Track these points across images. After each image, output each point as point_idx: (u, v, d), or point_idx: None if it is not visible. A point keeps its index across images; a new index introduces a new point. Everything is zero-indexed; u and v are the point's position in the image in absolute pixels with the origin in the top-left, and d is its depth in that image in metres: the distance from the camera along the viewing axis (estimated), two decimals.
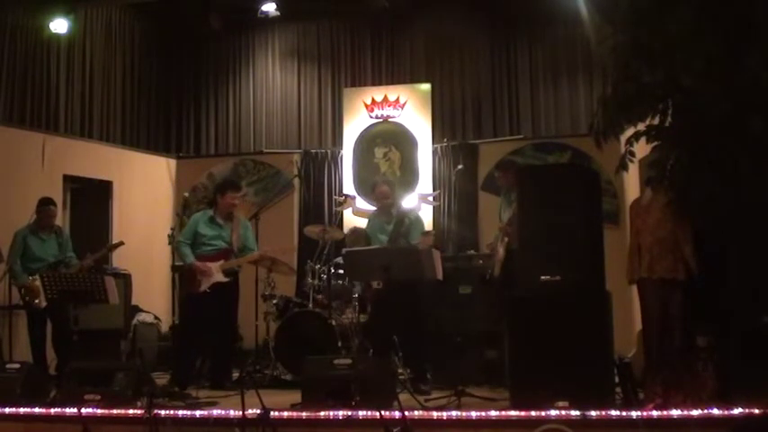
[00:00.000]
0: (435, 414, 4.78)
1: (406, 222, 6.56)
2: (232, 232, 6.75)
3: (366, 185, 9.63)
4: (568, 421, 4.39)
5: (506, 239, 6.46)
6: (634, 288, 5.38)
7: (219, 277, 6.61)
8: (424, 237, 6.59)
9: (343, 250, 6.70)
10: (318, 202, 10.00)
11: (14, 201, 7.86)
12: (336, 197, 9.79)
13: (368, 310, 7.14)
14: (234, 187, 7.01)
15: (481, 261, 7.03)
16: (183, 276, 6.74)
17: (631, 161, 4.92)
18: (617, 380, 5.06)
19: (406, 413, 4.49)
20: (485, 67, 10.28)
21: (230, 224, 6.79)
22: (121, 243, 7.71)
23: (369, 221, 7.06)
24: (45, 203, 7.12)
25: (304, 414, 4.83)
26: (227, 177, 9.11)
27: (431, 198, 9.56)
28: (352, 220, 9.48)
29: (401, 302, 6.16)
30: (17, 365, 5.74)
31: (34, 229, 7.08)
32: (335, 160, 10.06)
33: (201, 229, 6.75)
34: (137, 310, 8.62)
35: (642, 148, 5.01)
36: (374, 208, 7.30)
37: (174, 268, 6.89)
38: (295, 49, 10.96)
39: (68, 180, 8.97)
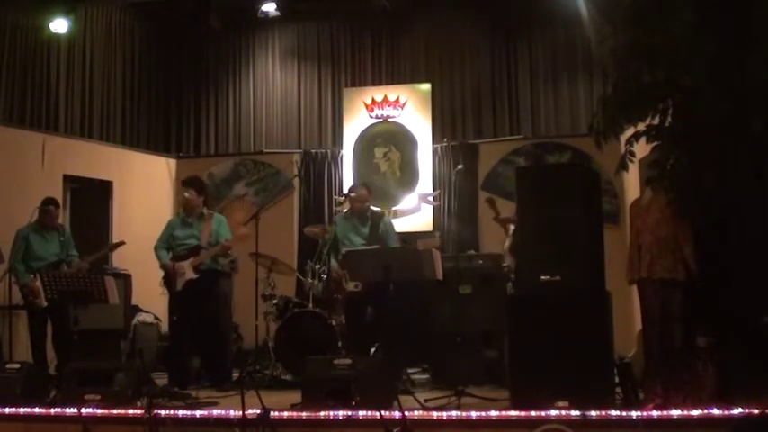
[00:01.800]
0: (435, 414, 4.78)
1: (382, 227, 6.65)
2: (203, 229, 6.78)
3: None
4: (568, 421, 4.39)
5: (512, 228, 6.50)
6: (634, 288, 5.39)
7: (190, 274, 6.65)
8: (428, 239, 6.62)
9: (343, 250, 6.70)
10: (318, 202, 10.00)
11: (14, 201, 7.85)
12: (336, 197, 9.79)
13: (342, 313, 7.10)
14: (183, 183, 7.03)
15: (481, 261, 7.02)
16: (165, 278, 6.80)
17: (631, 161, 4.92)
18: (617, 380, 5.06)
19: (406, 413, 4.49)
20: (485, 67, 10.27)
21: (201, 222, 6.82)
22: (122, 243, 7.71)
23: (338, 224, 7.04)
24: (46, 203, 7.11)
25: (304, 414, 4.83)
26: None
27: (431, 198, 9.56)
28: None
29: (375, 303, 6.13)
30: (17, 365, 5.75)
31: (36, 228, 7.08)
32: (335, 160, 10.06)
33: (175, 232, 6.84)
34: (137, 310, 8.62)
35: (642, 148, 5.01)
36: (375, 209, 7.29)
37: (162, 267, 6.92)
38: (295, 49, 10.96)
39: (68, 180, 8.96)
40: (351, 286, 6.66)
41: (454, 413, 4.77)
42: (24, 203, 7.44)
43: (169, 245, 6.85)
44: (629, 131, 5.01)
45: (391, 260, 5.68)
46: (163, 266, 6.78)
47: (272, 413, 4.56)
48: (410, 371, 6.80)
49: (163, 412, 4.87)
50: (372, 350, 6.30)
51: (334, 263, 6.92)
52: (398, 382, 5.99)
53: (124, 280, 8.11)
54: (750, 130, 4.34)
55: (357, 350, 6.21)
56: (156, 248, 6.87)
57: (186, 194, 6.89)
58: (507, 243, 6.69)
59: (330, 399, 4.92)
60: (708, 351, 4.81)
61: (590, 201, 5.19)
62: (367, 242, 6.68)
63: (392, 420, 4.45)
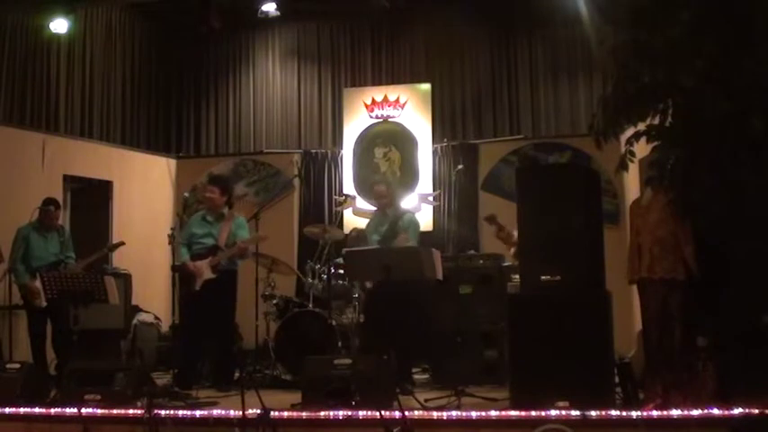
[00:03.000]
0: (435, 414, 4.78)
1: (400, 225, 6.62)
2: (221, 230, 6.75)
3: (366, 185, 9.65)
4: (568, 421, 4.39)
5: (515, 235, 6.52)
6: (634, 288, 5.38)
7: (208, 274, 6.62)
8: (401, 236, 6.62)
9: (344, 250, 6.70)
10: (318, 202, 10.01)
11: (14, 201, 7.85)
12: (336, 197, 9.79)
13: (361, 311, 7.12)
14: (208, 181, 7.01)
15: (481, 261, 7.03)
16: (182, 277, 6.77)
17: (631, 161, 4.92)
18: (617, 380, 5.06)
19: (406, 413, 4.49)
20: (485, 67, 10.28)
21: (220, 222, 6.80)
22: (122, 243, 7.70)
23: (368, 221, 7.10)
24: (46, 203, 7.11)
25: (304, 414, 4.83)
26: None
27: (431, 198, 9.56)
28: (352, 220, 9.49)
29: (393, 301, 6.12)
30: (17, 365, 5.75)
31: (37, 227, 7.08)
32: (335, 160, 10.06)
33: (194, 229, 6.80)
34: (137, 310, 8.62)
35: (642, 148, 5.01)
36: (374, 208, 7.31)
37: (173, 268, 6.93)
38: (295, 49, 10.97)
39: (68, 180, 8.97)
40: (367, 284, 6.66)
41: (454, 413, 4.76)
42: (24, 203, 7.44)
43: (190, 242, 6.79)
44: (629, 131, 5.01)
45: (391, 260, 5.68)
46: (182, 265, 6.70)
47: (272, 413, 4.55)
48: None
49: (163, 412, 4.87)
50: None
51: None
52: (407, 384, 5.99)
53: (124, 280, 8.11)
54: (750, 130, 4.34)
55: (374, 347, 6.18)
56: (178, 245, 6.72)
57: (208, 193, 6.85)
58: (513, 250, 6.70)
59: (330, 399, 4.92)
60: (708, 351, 4.81)
61: (590, 201, 5.19)
62: (381, 240, 6.65)
63: (392, 420, 4.45)
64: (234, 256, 6.73)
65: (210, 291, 6.60)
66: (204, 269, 6.62)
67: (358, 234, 7.62)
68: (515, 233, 6.50)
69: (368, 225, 7.04)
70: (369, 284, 6.71)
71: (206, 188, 6.91)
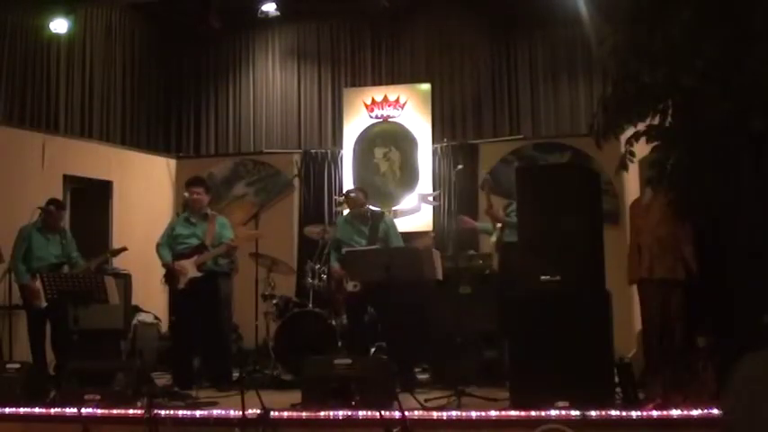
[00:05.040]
0: (435, 414, 4.78)
1: (383, 227, 6.66)
2: (207, 230, 6.78)
3: (366, 186, 9.63)
4: (568, 421, 4.39)
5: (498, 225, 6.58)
6: (634, 288, 5.39)
7: (193, 273, 6.64)
8: (423, 238, 6.63)
9: (344, 250, 6.71)
10: (318, 202, 10.00)
11: (14, 201, 7.85)
12: (336, 197, 9.78)
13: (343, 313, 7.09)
14: (192, 183, 7.04)
15: (481, 261, 7.04)
16: (167, 276, 6.78)
17: (631, 161, 4.92)
18: (617, 380, 5.06)
19: (406, 413, 4.49)
20: (485, 67, 10.28)
21: (205, 222, 6.83)
22: (124, 249, 7.69)
23: (340, 226, 7.00)
24: (47, 203, 7.10)
25: (304, 414, 4.83)
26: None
27: (431, 198, 9.56)
28: None
29: (386, 303, 6.11)
30: (17, 365, 5.75)
31: (40, 228, 7.07)
32: (335, 160, 10.06)
33: (178, 230, 6.84)
34: (137, 310, 8.62)
35: (642, 148, 5.01)
36: (374, 208, 7.29)
37: (164, 266, 6.95)
38: (295, 49, 10.97)
39: (68, 180, 8.96)
40: (350, 287, 6.67)
41: (454, 413, 4.76)
42: (24, 204, 7.43)
43: (172, 243, 6.83)
44: (629, 131, 5.01)
45: (391, 260, 5.68)
46: (165, 265, 6.76)
47: (272, 413, 4.56)
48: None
49: (163, 412, 4.87)
50: (372, 350, 6.29)
51: (335, 264, 6.91)
52: (409, 380, 5.99)
53: (124, 280, 8.10)
54: (750, 130, 4.34)
55: (357, 350, 6.21)
56: (158, 246, 6.82)
57: (195, 195, 6.88)
58: (494, 237, 6.74)
59: (330, 399, 4.92)
60: (708, 351, 4.81)
61: (590, 201, 5.19)
62: (368, 241, 6.69)
63: (392, 420, 4.45)
64: (221, 254, 6.73)
65: (197, 291, 6.61)
66: (188, 267, 6.65)
67: None
68: (501, 212, 6.57)
69: (343, 230, 6.89)
70: (350, 287, 6.66)
71: (190, 190, 6.93)
